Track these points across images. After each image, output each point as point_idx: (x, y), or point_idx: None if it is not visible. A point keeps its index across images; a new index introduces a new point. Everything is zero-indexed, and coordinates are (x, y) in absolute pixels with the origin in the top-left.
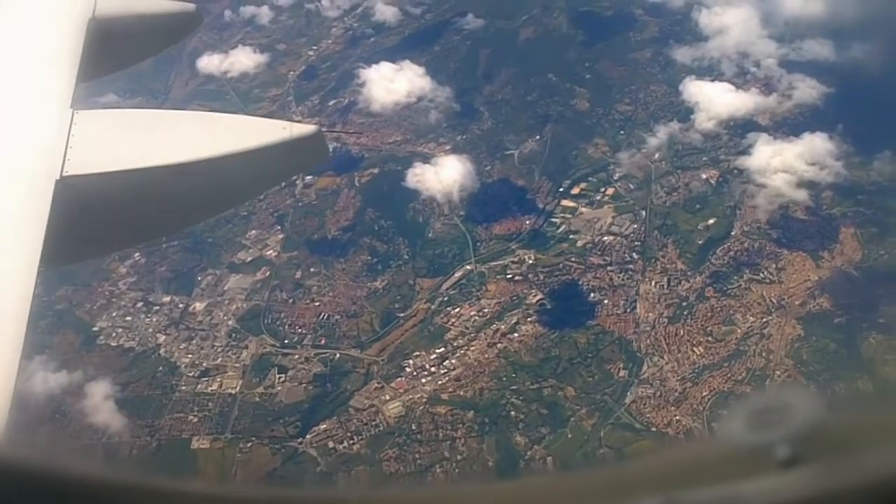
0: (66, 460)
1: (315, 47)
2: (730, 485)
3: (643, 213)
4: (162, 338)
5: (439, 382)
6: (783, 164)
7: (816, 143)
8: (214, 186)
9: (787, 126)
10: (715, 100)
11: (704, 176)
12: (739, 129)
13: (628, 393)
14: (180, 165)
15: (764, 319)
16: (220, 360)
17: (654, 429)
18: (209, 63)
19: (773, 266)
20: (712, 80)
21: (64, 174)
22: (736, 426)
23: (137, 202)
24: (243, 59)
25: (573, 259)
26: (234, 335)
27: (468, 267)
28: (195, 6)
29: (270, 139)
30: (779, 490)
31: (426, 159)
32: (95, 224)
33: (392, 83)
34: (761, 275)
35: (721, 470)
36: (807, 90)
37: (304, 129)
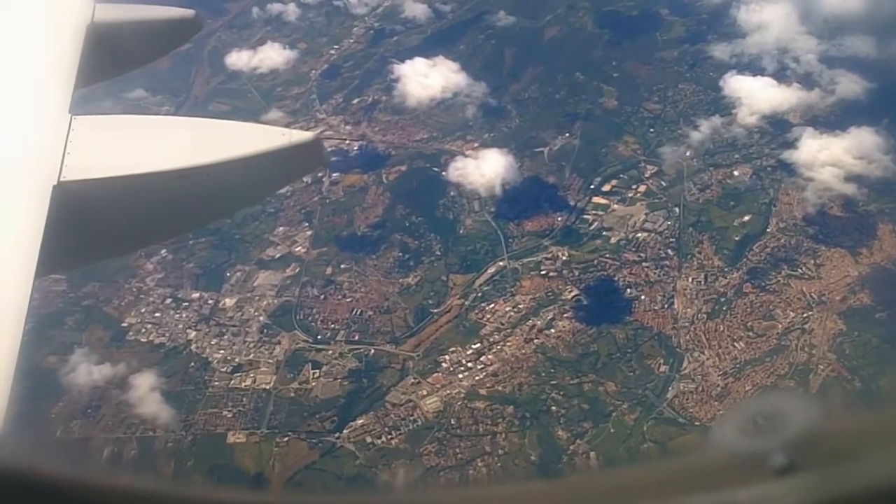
0: (61, 464)
1: (337, 46)
2: (726, 492)
3: (676, 209)
4: (192, 334)
5: (476, 378)
6: (831, 157)
7: (864, 138)
8: (213, 192)
9: (832, 121)
10: (756, 95)
11: (737, 173)
12: (782, 124)
13: (670, 388)
14: (178, 171)
15: (805, 315)
16: (252, 355)
17: (697, 423)
18: (230, 61)
19: (812, 262)
20: (753, 76)
21: (61, 179)
22: (732, 434)
23: (135, 208)
24: (265, 58)
25: (607, 255)
26: (265, 331)
27: (501, 263)
28: (194, 12)
29: (269, 146)
30: (774, 498)
31: (454, 157)
32: (92, 229)
33: (418, 81)
34: (799, 271)
35: (717, 477)
36: (849, 85)
37: (303, 135)
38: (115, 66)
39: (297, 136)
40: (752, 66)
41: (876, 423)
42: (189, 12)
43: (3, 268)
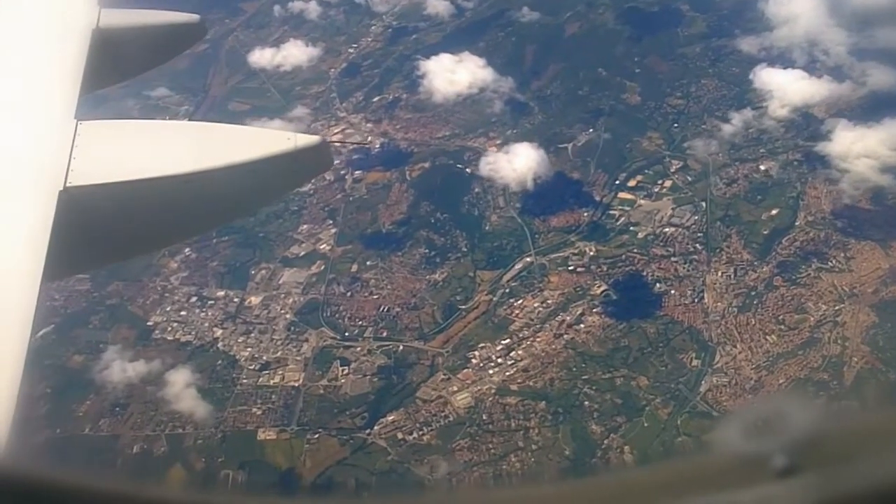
0: (64, 469)
1: (355, 45)
2: (727, 494)
3: (703, 204)
4: (219, 332)
5: (507, 373)
6: (865, 149)
7: None
8: (219, 197)
9: (864, 113)
10: (787, 87)
11: (764, 167)
12: (814, 117)
13: (702, 382)
14: (184, 176)
15: (836, 308)
16: (280, 353)
17: None
18: (252, 60)
19: (842, 255)
20: (784, 68)
21: (67, 185)
22: (733, 436)
23: (141, 213)
24: (288, 55)
25: (635, 250)
26: (292, 328)
27: (528, 259)
28: (199, 17)
29: (275, 150)
30: (776, 499)
31: (477, 154)
32: (99, 235)
33: (444, 77)
34: (830, 264)
35: (718, 479)
36: (881, 77)
37: (309, 139)
38: (121, 71)
39: (304, 139)
40: (781, 59)
41: (877, 423)
42: (194, 17)
43: (9, 273)
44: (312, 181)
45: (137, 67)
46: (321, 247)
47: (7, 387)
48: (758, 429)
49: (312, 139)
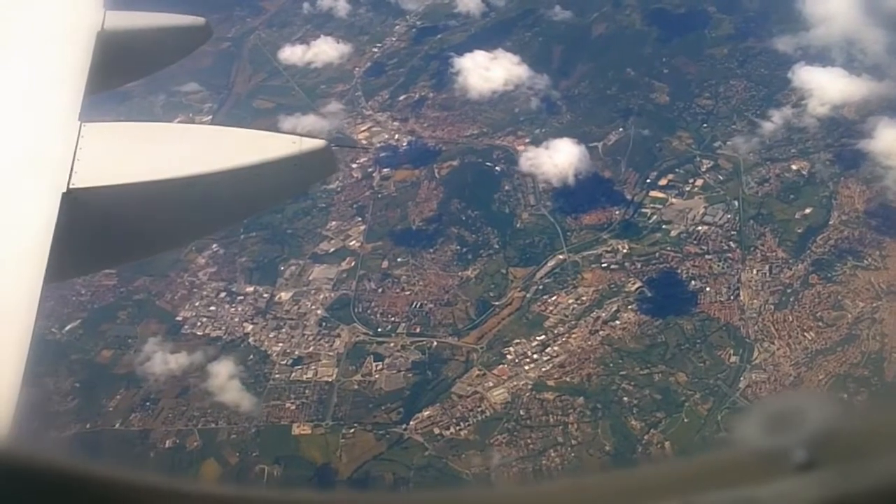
0: (68, 460)
1: (379, 44)
2: (746, 489)
3: (735, 203)
4: (249, 327)
5: (543, 369)
6: None
7: None
8: (223, 200)
9: None
10: (825, 86)
11: (795, 167)
12: (854, 115)
13: (741, 378)
14: (188, 179)
15: (874, 304)
16: (312, 348)
17: None
18: (279, 57)
19: (877, 253)
20: (822, 67)
21: (71, 187)
22: (752, 430)
23: (145, 215)
24: (314, 53)
25: (669, 248)
26: (324, 324)
27: (560, 256)
28: (205, 20)
29: (279, 153)
30: (795, 494)
31: (506, 152)
32: (102, 237)
33: (473, 76)
34: (865, 261)
35: (737, 474)
36: None
37: (314, 143)
38: (126, 73)
39: (308, 143)
40: (818, 58)
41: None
42: (199, 20)
43: (12, 275)
44: (340, 180)
45: (142, 69)
46: (350, 243)
47: (8, 387)
48: (777, 424)
49: (317, 143)
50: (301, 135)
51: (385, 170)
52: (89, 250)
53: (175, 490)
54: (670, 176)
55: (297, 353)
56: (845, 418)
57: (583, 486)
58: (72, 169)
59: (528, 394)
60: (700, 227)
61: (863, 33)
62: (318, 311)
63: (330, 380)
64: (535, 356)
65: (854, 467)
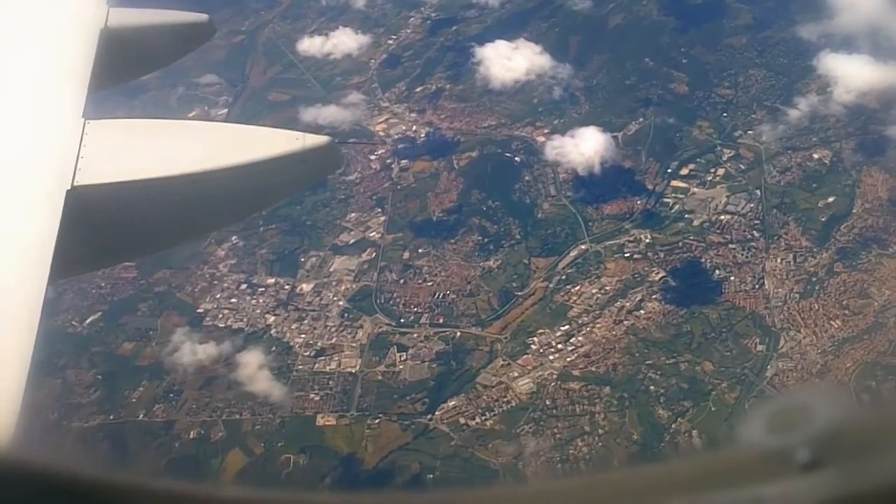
0: (69, 462)
1: (395, 36)
2: (751, 488)
3: (758, 192)
4: (271, 318)
5: (568, 359)
6: None
7: None
8: (227, 197)
9: None
10: (851, 73)
11: (817, 156)
12: (881, 103)
13: (768, 367)
14: (192, 175)
15: None
16: (335, 339)
17: None
18: (298, 49)
19: None
20: (848, 54)
21: (75, 184)
22: (757, 429)
23: (148, 212)
24: (333, 45)
25: (692, 238)
26: (346, 315)
27: (583, 246)
28: (208, 17)
29: (283, 150)
30: (800, 493)
31: (525, 143)
32: (106, 234)
33: (487, 68)
34: (890, 250)
35: (743, 473)
36: None
37: (317, 139)
38: (129, 71)
39: (312, 140)
40: (843, 46)
41: None
42: (202, 17)
43: (17, 272)
44: (358, 171)
45: (146, 66)
46: (371, 234)
47: (13, 382)
48: (782, 423)
49: (321, 139)
50: (304, 131)
51: (403, 161)
52: (93, 247)
53: (175, 491)
54: (691, 166)
55: (319, 344)
56: (850, 417)
57: (589, 484)
58: (76, 166)
59: (553, 384)
60: (723, 217)
61: (889, 20)
62: (340, 303)
63: (353, 370)
64: (560, 346)
65: (859, 466)
